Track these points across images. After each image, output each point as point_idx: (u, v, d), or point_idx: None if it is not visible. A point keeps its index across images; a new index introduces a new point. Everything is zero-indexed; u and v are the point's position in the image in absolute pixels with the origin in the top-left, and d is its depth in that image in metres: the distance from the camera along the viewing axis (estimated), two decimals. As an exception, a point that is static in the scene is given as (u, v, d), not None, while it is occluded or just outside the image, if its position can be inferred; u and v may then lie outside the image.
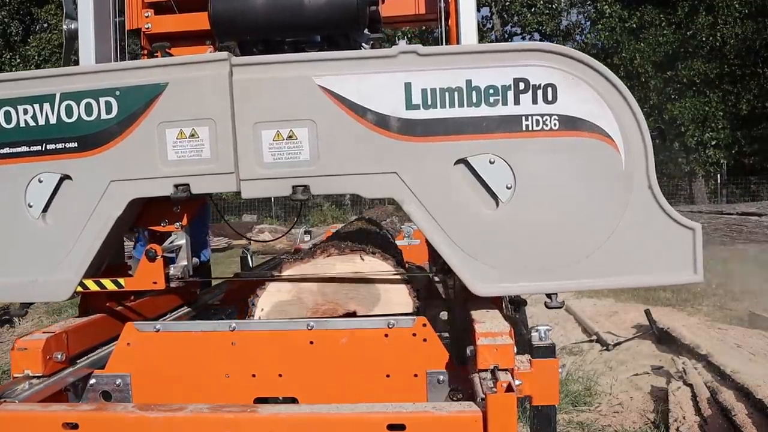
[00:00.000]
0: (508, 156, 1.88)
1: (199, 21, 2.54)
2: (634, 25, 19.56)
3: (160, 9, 2.71)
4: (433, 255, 3.32)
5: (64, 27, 2.51)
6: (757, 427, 3.43)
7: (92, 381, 2.09)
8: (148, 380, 2.04)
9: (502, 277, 1.92)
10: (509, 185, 1.89)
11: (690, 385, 4.22)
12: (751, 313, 6.22)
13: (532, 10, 24.20)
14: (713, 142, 19.01)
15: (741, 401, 3.72)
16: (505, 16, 25.37)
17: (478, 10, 2.35)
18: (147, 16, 2.71)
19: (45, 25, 21.94)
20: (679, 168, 19.73)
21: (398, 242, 4.10)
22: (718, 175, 20.91)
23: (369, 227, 3.47)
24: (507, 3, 24.61)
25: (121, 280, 2.12)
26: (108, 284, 2.11)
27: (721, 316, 6.70)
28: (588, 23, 24.76)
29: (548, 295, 1.98)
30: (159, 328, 2.07)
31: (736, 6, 18.05)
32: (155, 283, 2.12)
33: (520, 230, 1.90)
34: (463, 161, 1.90)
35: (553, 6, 24.32)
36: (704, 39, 18.36)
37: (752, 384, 3.80)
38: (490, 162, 1.88)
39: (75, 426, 1.68)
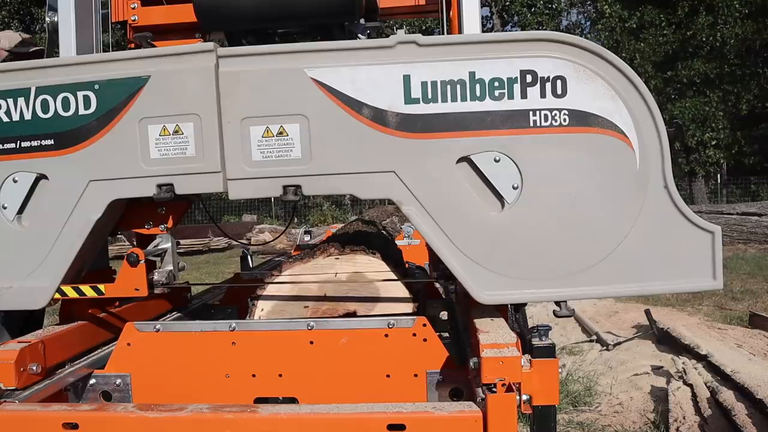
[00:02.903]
0: (515, 154, 1.78)
1: (188, 13, 2.44)
2: (634, 26, 19.59)
3: (147, 0, 2.61)
4: (434, 259, 3.24)
5: (47, 20, 2.41)
6: (757, 427, 3.43)
7: (92, 381, 2.07)
8: (148, 380, 2.02)
9: (507, 284, 1.82)
10: (516, 185, 1.78)
11: (690, 385, 4.22)
12: (751, 313, 6.23)
13: (532, 10, 24.22)
14: (713, 142, 19.04)
15: (741, 401, 3.73)
16: (505, 16, 25.39)
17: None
18: (133, 8, 2.63)
19: (45, 25, 21.86)
20: (679, 168, 19.69)
21: (398, 242, 4.10)
22: (718, 175, 20.94)
23: (369, 227, 3.47)
24: (507, 3, 24.62)
25: (102, 287, 2.03)
26: (87, 291, 2.03)
27: (721, 316, 6.69)
28: (588, 23, 24.83)
29: (557, 303, 1.87)
30: (159, 328, 2.05)
31: (736, 6, 18.08)
32: (137, 290, 2.04)
33: (527, 233, 1.80)
34: (466, 159, 1.79)
35: (553, 6, 24.35)
36: (704, 39, 18.38)
37: (752, 384, 3.82)
38: (495, 160, 1.78)
39: (75, 426, 1.68)
